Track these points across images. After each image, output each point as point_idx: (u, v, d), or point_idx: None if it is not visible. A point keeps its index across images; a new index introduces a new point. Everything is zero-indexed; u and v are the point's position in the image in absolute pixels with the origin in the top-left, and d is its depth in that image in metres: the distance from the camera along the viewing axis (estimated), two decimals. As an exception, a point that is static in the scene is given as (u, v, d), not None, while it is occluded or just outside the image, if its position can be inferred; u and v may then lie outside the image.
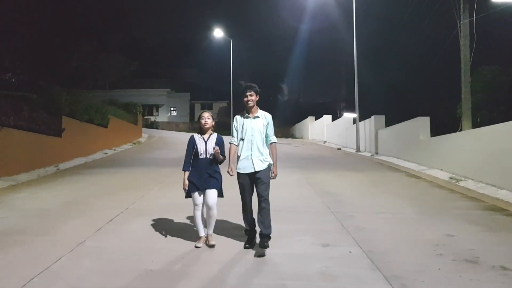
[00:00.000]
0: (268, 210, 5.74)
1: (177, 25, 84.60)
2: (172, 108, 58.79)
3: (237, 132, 6.01)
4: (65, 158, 16.83)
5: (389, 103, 30.67)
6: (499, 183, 10.29)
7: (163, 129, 48.78)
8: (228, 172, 5.86)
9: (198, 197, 5.90)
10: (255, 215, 5.94)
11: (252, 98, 5.86)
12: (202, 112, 6.22)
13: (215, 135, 6.08)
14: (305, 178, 12.88)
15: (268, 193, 5.80)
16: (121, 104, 29.60)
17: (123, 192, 10.51)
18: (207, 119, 6.03)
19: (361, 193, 10.68)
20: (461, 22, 15.34)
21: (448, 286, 4.58)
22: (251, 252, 5.74)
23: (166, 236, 6.52)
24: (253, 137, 5.84)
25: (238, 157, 5.95)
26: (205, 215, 6.04)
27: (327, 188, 11.12)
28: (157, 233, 6.73)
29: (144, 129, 35.97)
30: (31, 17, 25.26)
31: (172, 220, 7.50)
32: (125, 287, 4.57)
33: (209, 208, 5.84)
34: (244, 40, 54.33)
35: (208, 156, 5.91)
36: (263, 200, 5.73)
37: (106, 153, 21.05)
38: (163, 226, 7.14)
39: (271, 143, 6.00)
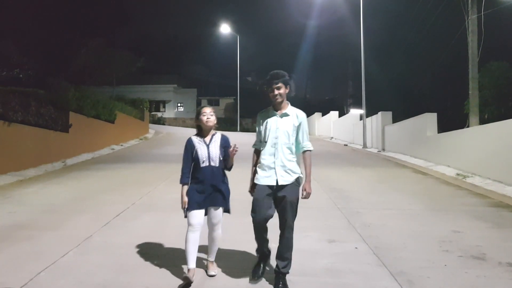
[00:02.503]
0: (292, 240, 4.48)
1: (184, 21, 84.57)
2: (179, 104, 58.82)
3: (260, 133, 4.67)
4: (72, 153, 16.91)
5: (396, 99, 30.58)
6: (506, 180, 10.24)
7: (169, 125, 48.86)
8: (250, 192, 4.62)
9: (196, 216, 4.56)
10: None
11: (280, 92, 4.46)
12: (203, 107, 4.76)
13: (218, 135, 4.77)
14: (312, 174, 12.84)
15: (294, 219, 4.48)
16: (128, 100, 29.68)
17: (130, 188, 10.56)
18: (210, 115, 4.65)
19: (367, 189, 10.66)
20: (469, 18, 15.24)
21: (455, 283, 4.57)
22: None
23: (172, 231, 6.54)
24: (277, 139, 4.47)
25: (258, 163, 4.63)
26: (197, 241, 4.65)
27: (334, 184, 11.11)
28: (164, 228, 6.75)
29: (151, 125, 36.05)
30: (38, 14, 25.40)
31: (178, 216, 7.48)
32: (132, 282, 4.59)
33: (212, 229, 4.68)
34: (251, 36, 54.32)
35: (212, 163, 4.60)
36: (287, 228, 4.42)
37: (113, 149, 21.13)
38: (170, 222, 7.16)
39: (304, 152, 4.58)
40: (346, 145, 25.91)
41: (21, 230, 6.71)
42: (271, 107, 4.62)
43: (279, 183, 4.40)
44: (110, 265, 5.08)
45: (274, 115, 4.56)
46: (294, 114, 4.55)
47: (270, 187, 4.42)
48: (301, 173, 4.57)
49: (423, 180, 12.25)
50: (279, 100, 4.48)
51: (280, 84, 4.44)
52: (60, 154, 15.93)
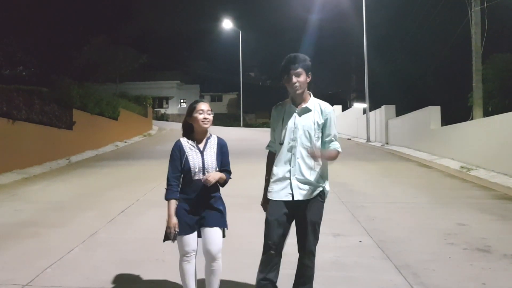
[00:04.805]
0: (313, 270, 3.58)
1: (187, 17, 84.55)
2: (182, 100, 58.84)
3: (275, 132, 3.70)
4: (76, 150, 16.95)
5: (399, 93, 30.49)
6: (511, 172, 10.21)
7: (173, 121, 48.87)
8: (262, 206, 3.72)
9: (189, 243, 3.60)
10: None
11: (300, 79, 3.44)
12: (198, 102, 3.70)
13: (214, 139, 3.74)
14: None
15: (316, 242, 3.58)
16: (131, 97, 29.76)
17: (135, 184, 10.59)
18: (208, 114, 3.60)
19: (372, 183, 10.65)
20: (472, 10, 15.15)
21: (460, 275, 4.57)
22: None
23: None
24: (295, 142, 3.49)
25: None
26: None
27: (338, 178, 11.08)
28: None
29: (154, 122, 36.07)
30: (41, 12, 25.43)
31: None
32: (137, 278, 4.62)
33: (212, 258, 3.60)
34: (253, 31, 54.31)
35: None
36: (307, 254, 3.53)
37: (117, 146, 21.17)
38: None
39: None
40: (350, 139, 25.89)
41: (27, 227, 6.75)
42: (288, 100, 3.62)
43: (296, 198, 3.46)
44: (115, 261, 5.10)
45: (293, 110, 3.55)
46: (317, 109, 3.55)
47: (285, 203, 3.48)
48: (326, 183, 3.65)
49: (427, 173, 12.24)
50: (299, 90, 3.47)
51: (299, 70, 3.42)
52: (64, 151, 15.97)
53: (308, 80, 3.49)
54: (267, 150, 3.77)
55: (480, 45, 15.11)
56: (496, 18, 16.33)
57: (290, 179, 3.48)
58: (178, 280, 4.42)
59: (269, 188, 3.57)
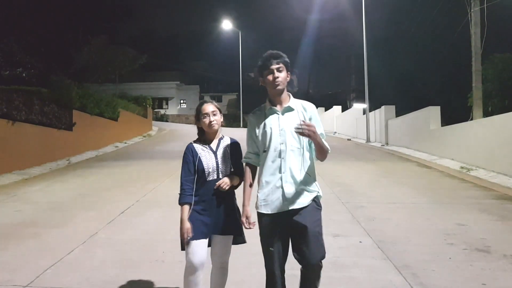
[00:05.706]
0: (319, 282, 3.32)
1: (186, 17, 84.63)
2: (181, 101, 58.84)
3: (254, 141, 3.36)
4: (76, 151, 16.96)
5: (399, 93, 30.53)
6: (511, 172, 10.21)
7: (173, 121, 48.93)
8: (242, 222, 3.30)
9: (198, 252, 3.38)
10: None
11: (281, 75, 3.17)
12: (202, 103, 3.54)
13: (227, 139, 3.60)
14: (315, 169, 12.83)
15: (322, 254, 3.29)
16: (131, 98, 29.77)
17: (135, 185, 10.58)
18: (213, 115, 3.45)
19: (371, 183, 10.65)
20: (472, 10, 15.15)
21: (459, 275, 4.57)
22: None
23: (177, 227, 6.55)
24: (284, 145, 3.18)
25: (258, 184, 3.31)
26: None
27: (338, 178, 11.10)
28: (168, 224, 6.77)
29: (154, 122, 36.12)
30: (41, 12, 25.44)
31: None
32: (137, 278, 4.62)
33: (219, 265, 3.55)
34: (253, 31, 54.31)
35: (221, 176, 3.43)
36: (310, 268, 3.25)
37: (117, 146, 21.17)
38: (174, 218, 7.14)
39: None
40: (350, 139, 25.90)
41: (27, 228, 6.76)
42: (267, 103, 3.31)
43: (290, 207, 3.15)
44: (115, 262, 5.11)
45: (274, 112, 3.24)
46: (299, 108, 3.27)
47: (280, 214, 3.17)
48: (319, 188, 3.39)
49: (427, 174, 12.24)
50: (280, 86, 3.17)
51: (281, 65, 3.17)
52: (64, 152, 15.98)
53: (288, 79, 3.23)
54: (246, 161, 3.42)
55: (479, 45, 15.11)
56: (496, 18, 16.33)
57: (282, 187, 3.16)
58: (178, 281, 4.43)
59: (259, 202, 3.22)
